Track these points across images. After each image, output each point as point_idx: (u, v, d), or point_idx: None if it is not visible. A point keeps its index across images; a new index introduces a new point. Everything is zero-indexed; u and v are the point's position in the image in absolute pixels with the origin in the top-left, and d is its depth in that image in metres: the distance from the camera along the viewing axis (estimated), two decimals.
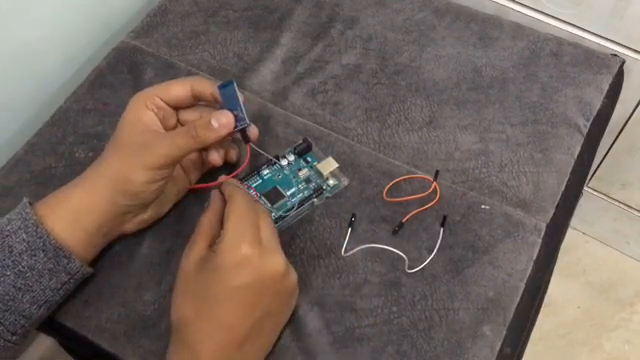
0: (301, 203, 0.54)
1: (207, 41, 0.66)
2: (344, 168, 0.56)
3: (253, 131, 0.51)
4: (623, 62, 0.64)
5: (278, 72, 0.63)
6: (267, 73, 0.63)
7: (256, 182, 0.55)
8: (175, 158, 0.48)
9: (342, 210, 0.54)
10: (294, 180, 0.55)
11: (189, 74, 0.63)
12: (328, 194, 0.55)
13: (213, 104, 0.52)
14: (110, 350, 0.48)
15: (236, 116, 0.49)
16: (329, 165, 0.55)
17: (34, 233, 0.45)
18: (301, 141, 0.57)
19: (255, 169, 0.55)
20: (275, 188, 0.54)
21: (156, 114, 0.50)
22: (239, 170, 0.53)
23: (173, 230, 0.53)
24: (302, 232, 0.53)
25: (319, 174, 0.55)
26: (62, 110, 0.61)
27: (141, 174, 0.47)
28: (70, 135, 0.60)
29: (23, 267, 0.45)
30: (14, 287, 0.45)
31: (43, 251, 0.45)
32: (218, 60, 0.64)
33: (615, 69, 0.63)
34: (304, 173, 0.55)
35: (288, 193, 0.54)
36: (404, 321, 0.49)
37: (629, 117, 0.76)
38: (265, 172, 0.55)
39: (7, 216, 0.47)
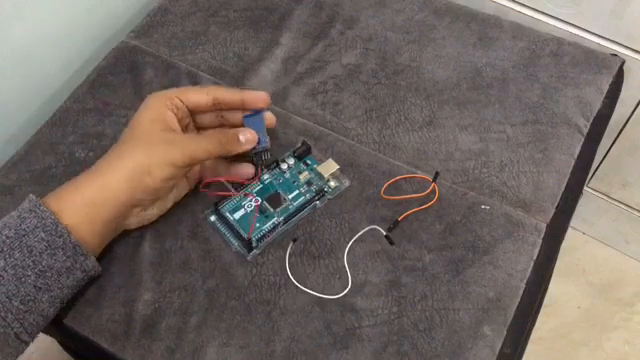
0: (303, 206, 0.53)
1: (207, 41, 0.66)
2: (344, 168, 0.56)
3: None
4: (623, 62, 0.64)
5: (278, 72, 0.63)
6: (267, 73, 0.63)
7: (257, 187, 0.54)
8: (199, 160, 0.49)
9: (342, 210, 0.54)
10: (295, 184, 0.55)
11: (189, 74, 0.63)
12: (330, 196, 0.55)
13: (238, 109, 0.53)
14: (110, 350, 0.48)
15: (259, 138, 0.52)
16: (330, 167, 0.55)
17: (53, 232, 0.45)
18: (300, 144, 0.57)
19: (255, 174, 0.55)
20: (277, 192, 0.54)
21: (175, 114, 0.51)
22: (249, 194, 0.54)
23: (173, 230, 0.53)
24: (302, 232, 0.53)
25: (320, 176, 0.55)
26: (62, 110, 0.61)
27: (164, 169, 0.48)
28: (70, 135, 0.60)
29: (43, 267, 0.44)
30: (35, 287, 0.44)
31: (62, 249, 0.45)
32: (218, 60, 0.64)
33: (615, 69, 0.63)
34: (305, 176, 0.55)
35: (290, 197, 0.54)
36: (405, 321, 0.49)
37: (629, 117, 0.76)
38: (266, 177, 0.55)
39: (15, 214, 0.45)
